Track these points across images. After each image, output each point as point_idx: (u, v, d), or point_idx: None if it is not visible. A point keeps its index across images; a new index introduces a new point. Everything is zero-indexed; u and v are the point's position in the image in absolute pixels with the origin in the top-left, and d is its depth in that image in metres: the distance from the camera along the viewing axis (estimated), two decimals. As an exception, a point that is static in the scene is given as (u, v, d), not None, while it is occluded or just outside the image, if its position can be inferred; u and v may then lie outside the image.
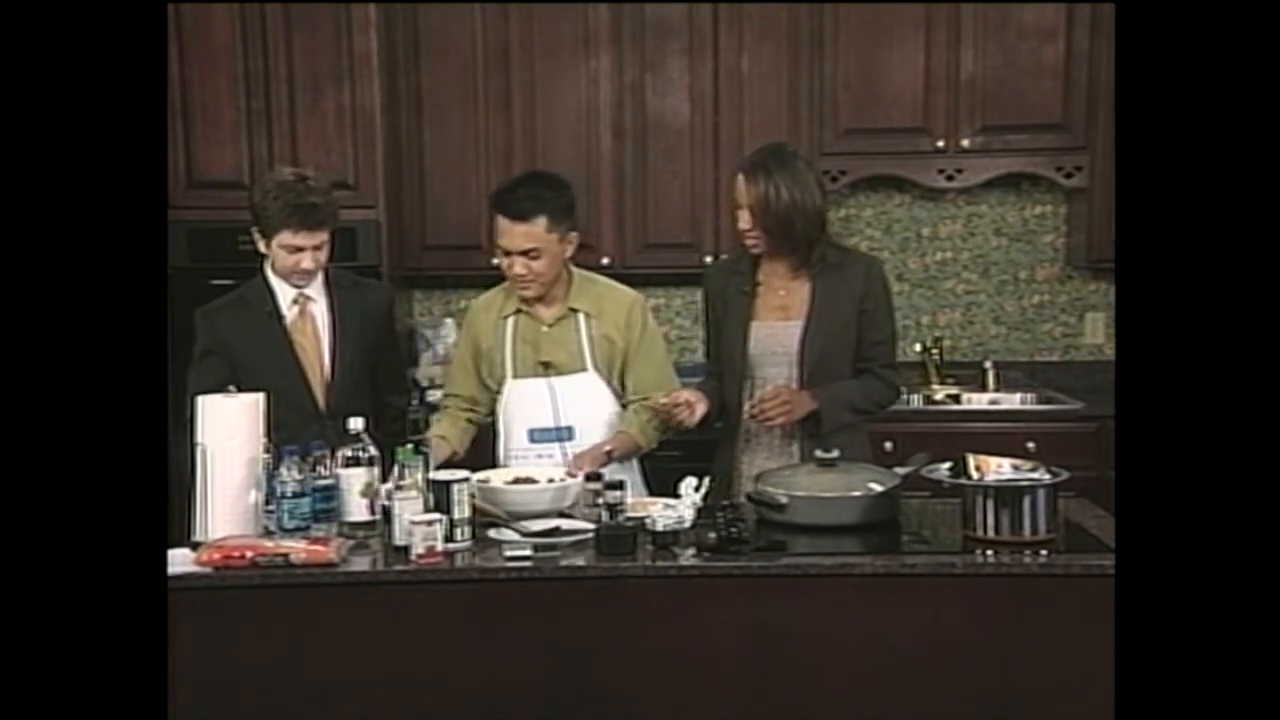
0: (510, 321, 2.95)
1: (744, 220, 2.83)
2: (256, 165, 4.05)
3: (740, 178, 2.83)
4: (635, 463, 2.99)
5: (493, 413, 3.01)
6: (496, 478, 2.63)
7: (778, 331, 2.88)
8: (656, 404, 2.84)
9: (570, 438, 2.89)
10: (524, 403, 2.90)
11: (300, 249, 2.84)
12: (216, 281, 3.49)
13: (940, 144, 4.22)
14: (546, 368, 2.91)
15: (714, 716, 2.28)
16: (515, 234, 2.81)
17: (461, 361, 3.05)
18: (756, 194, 2.78)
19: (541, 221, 2.81)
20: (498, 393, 2.96)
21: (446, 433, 2.93)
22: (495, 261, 2.90)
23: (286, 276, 2.91)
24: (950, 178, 4.27)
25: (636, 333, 2.95)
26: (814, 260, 2.85)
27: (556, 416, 2.90)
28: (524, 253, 2.82)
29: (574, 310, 2.93)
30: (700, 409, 2.80)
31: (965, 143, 4.22)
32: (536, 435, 2.90)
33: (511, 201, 2.83)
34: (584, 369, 2.92)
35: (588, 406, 2.91)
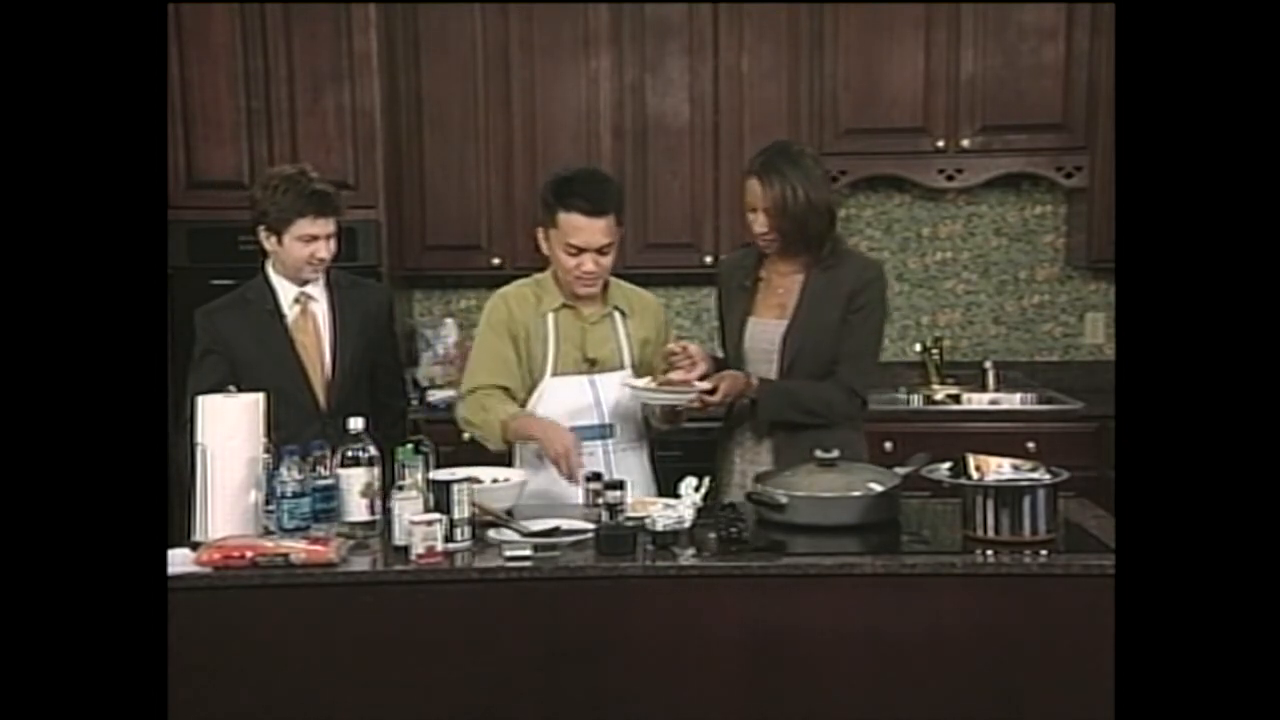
0: (552, 317, 2.89)
1: (760, 224, 2.77)
2: (256, 165, 4.05)
3: (754, 181, 2.76)
4: (646, 459, 2.98)
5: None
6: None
7: (769, 329, 2.85)
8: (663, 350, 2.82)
9: (612, 435, 2.86)
10: (566, 399, 2.85)
11: (316, 237, 2.86)
12: (216, 281, 3.50)
13: (940, 144, 4.23)
14: (592, 365, 2.87)
15: (714, 716, 2.28)
16: (595, 230, 2.75)
17: (499, 354, 2.87)
18: (773, 196, 2.72)
19: (613, 216, 2.79)
20: (531, 388, 2.88)
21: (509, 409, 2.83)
22: (567, 260, 2.77)
23: (299, 270, 2.90)
24: (950, 178, 4.27)
25: (665, 338, 2.96)
26: (824, 255, 2.80)
27: (600, 413, 2.86)
28: (598, 249, 2.77)
29: (616, 309, 2.93)
30: (701, 366, 2.75)
31: (965, 143, 4.23)
32: (579, 433, 2.82)
33: (590, 197, 2.75)
34: (623, 366, 2.91)
35: (626, 403, 2.88)
